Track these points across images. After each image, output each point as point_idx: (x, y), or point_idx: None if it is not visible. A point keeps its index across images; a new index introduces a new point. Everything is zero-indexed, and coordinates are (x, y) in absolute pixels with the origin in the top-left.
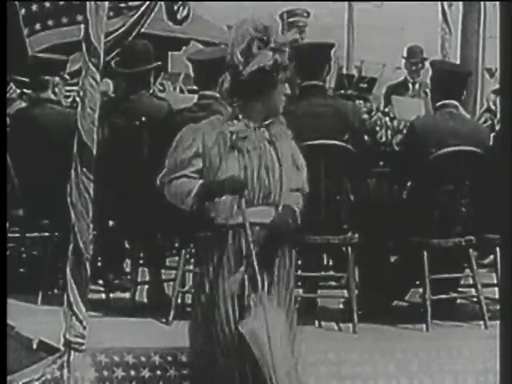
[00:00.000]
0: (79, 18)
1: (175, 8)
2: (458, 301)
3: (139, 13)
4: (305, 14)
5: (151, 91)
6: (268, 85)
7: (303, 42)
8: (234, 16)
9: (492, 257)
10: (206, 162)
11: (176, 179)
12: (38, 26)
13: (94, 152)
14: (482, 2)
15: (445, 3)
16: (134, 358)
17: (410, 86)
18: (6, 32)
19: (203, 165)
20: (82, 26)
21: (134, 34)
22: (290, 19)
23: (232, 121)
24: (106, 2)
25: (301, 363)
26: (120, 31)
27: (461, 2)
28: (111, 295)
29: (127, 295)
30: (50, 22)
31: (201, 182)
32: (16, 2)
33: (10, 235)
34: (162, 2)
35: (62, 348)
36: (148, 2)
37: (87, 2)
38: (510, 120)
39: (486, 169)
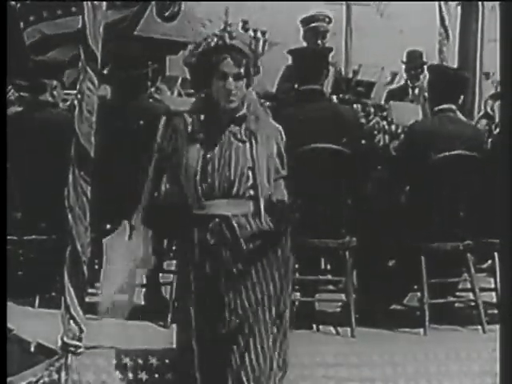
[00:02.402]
0: (74, 9)
1: (164, 6)
2: (456, 305)
3: (134, 12)
4: (326, 20)
5: (148, 94)
6: (204, 74)
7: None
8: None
9: (490, 261)
10: (170, 149)
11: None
12: (32, 18)
13: (92, 155)
14: (480, 6)
15: (443, 6)
16: (131, 360)
17: (410, 90)
18: (6, 33)
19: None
20: (79, 20)
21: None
22: (311, 24)
23: (194, 112)
24: (104, 4)
25: (298, 366)
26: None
27: (459, 6)
28: None
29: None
30: (45, 13)
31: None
32: (14, 3)
33: (7, 238)
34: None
35: (60, 351)
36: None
37: (85, 5)
38: (509, 124)
39: (484, 173)
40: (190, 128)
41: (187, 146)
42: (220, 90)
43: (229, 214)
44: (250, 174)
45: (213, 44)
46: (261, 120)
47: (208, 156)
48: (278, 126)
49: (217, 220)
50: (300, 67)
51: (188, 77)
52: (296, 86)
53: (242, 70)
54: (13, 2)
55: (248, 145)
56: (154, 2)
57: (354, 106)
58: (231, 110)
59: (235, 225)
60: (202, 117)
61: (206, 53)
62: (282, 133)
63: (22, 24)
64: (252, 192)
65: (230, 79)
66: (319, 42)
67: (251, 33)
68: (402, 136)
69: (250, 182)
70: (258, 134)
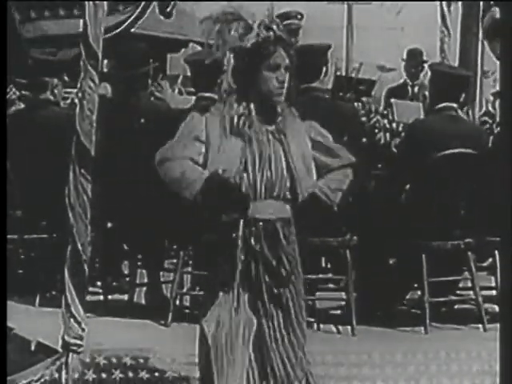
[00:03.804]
0: (76, 12)
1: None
2: (457, 304)
3: (137, 12)
4: (298, 16)
5: (149, 92)
6: (252, 67)
7: (297, 44)
8: None
9: (491, 259)
10: (208, 146)
11: (178, 160)
12: (33, 14)
13: (93, 153)
14: (481, 4)
15: (444, 5)
16: (132, 359)
17: (409, 88)
18: (7, 33)
19: (205, 149)
20: (81, 21)
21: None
22: (284, 22)
23: (236, 106)
24: (105, 3)
25: None
26: (117, 30)
27: (460, 4)
28: (109, 297)
29: (125, 297)
30: (47, 13)
31: (206, 175)
32: (10, 3)
33: (8, 236)
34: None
35: (61, 350)
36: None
37: (86, 3)
38: (510, 123)
39: (485, 171)
40: (235, 120)
41: (228, 140)
42: (272, 81)
43: (273, 218)
44: (287, 174)
45: (263, 35)
46: (287, 119)
47: (249, 153)
48: (308, 121)
49: (261, 224)
50: (299, 65)
51: (189, 75)
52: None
53: (289, 62)
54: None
55: (280, 144)
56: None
57: (355, 104)
58: (276, 104)
59: (280, 229)
60: (248, 110)
61: (258, 45)
62: (318, 127)
63: (19, 18)
64: (289, 194)
65: (283, 70)
66: (292, 39)
67: None
68: (403, 134)
69: (288, 183)
70: (287, 132)
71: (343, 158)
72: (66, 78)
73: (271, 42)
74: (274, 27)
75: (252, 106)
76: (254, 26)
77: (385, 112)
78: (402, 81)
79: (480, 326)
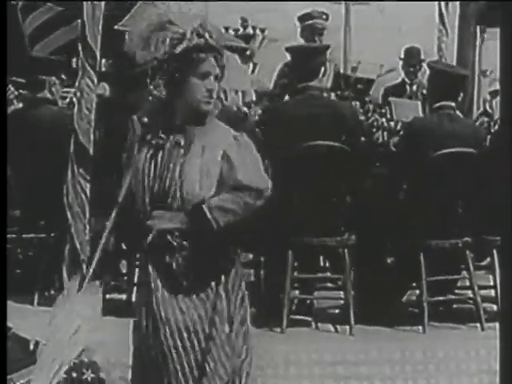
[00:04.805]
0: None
1: None
2: (455, 303)
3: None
4: (323, 17)
5: (148, 91)
6: (181, 73)
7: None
8: (230, 17)
9: (489, 259)
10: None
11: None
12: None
13: (91, 152)
14: (479, 3)
15: (442, 5)
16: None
17: (408, 87)
18: (6, 33)
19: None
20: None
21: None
22: (309, 22)
23: (151, 113)
24: (103, 3)
25: (296, 364)
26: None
27: (458, 3)
28: (107, 296)
29: (123, 296)
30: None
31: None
32: (14, 3)
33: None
34: None
35: None
36: None
37: (84, 3)
38: (509, 121)
39: (483, 170)
40: (140, 129)
41: (138, 148)
42: (201, 89)
43: (163, 227)
44: (179, 184)
45: (194, 42)
46: (207, 130)
47: (153, 162)
48: (235, 133)
49: (154, 232)
50: (298, 64)
51: None
52: (293, 83)
53: (220, 72)
54: (13, 2)
55: (184, 154)
56: None
57: (353, 103)
58: (202, 112)
59: (169, 239)
60: (146, 119)
61: (188, 51)
62: (249, 148)
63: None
64: (180, 205)
65: (212, 79)
66: (316, 38)
67: (250, 30)
68: (401, 133)
69: (179, 194)
70: (193, 142)
71: (250, 187)
72: (63, 77)
73: (201, 49)
74: (207, 35)
75: (155, 114)
76: (186, 33)
77: (383, 111)
78: (399, 79)
79: (478, 325)
